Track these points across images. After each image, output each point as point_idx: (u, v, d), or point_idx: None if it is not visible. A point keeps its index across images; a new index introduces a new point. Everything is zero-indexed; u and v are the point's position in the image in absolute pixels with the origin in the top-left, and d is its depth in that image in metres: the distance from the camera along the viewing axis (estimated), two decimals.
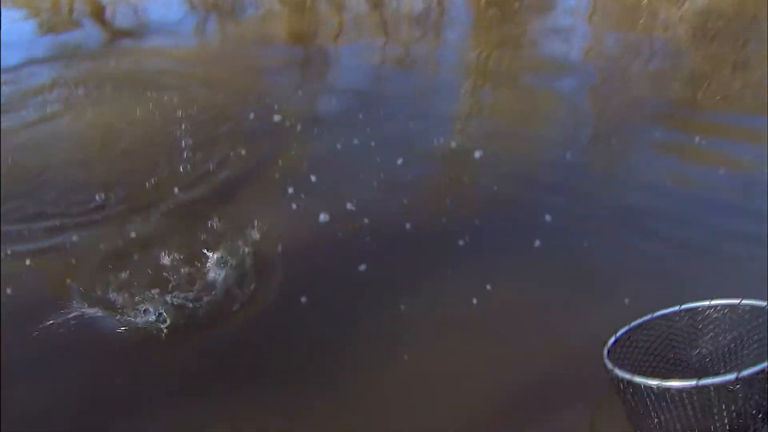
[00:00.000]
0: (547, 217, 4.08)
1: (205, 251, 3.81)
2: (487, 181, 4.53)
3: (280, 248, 3.92)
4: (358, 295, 3.63)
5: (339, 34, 7.48)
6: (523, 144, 4.90)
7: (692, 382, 2.30)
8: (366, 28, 7.53)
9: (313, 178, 4.58)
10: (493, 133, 5.09)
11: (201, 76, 6.38)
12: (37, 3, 9.55)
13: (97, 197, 4.45)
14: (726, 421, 2.38)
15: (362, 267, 3.77)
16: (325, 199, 4.35)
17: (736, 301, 2.68)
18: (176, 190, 4.53)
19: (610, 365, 2.56)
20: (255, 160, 4.92)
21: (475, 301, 3.49)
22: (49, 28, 8.45)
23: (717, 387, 2.31)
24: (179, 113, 5.52)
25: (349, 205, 4.27)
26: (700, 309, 2.78)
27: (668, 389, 2.35)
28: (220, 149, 5.02)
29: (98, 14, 8.79)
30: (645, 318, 2.81)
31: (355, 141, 5.00)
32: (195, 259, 3.81)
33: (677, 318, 2.80)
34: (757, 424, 2.41)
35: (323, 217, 4.19)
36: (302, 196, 4.43)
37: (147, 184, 4.59)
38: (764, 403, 2.37)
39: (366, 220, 4.13)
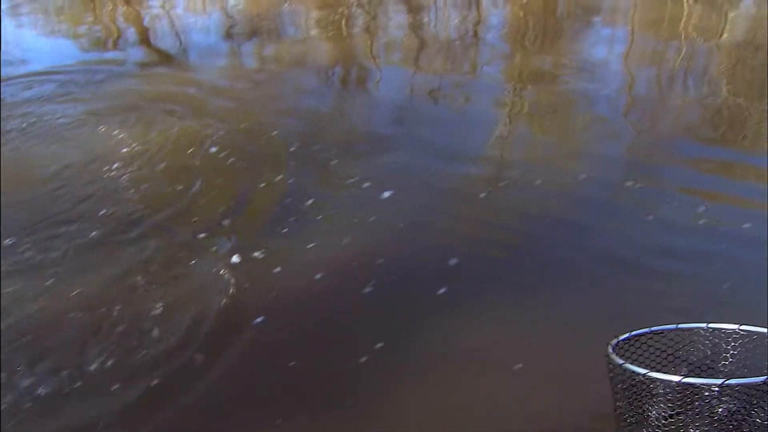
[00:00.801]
0: (568, 256, 4.09)
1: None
2: (508, 218, 4.52)
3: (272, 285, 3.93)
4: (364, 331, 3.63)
5: (374, 60, 7.57)
6: (548, 179, 4.90)
7: (677, 378, 2.37)
8: (399, 55, 7.64)
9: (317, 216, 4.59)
10: (516, 169, 5.09)
11: (234, 102, 6.48)
12: (79, 19, 9.62)
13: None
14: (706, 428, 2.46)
15: (368, 303, 3.77)
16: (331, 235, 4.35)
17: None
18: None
19: (611, 350, 2.60)
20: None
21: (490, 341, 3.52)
22: (87, 44, 8.61)
23: (699, 388, 2.38)
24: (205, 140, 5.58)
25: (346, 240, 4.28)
26: (724, 331, 2.72)
27: (654, 380, 2.42)
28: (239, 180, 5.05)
29: (139, 35, 8.85)
30: (667, 327, 2.76)
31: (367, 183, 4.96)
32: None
33: (699, 333, 2.75)
34: None
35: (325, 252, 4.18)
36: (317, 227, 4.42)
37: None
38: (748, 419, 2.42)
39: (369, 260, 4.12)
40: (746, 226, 4.22)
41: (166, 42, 8.53)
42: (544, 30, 8.24)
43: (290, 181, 4.94)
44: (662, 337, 2.73)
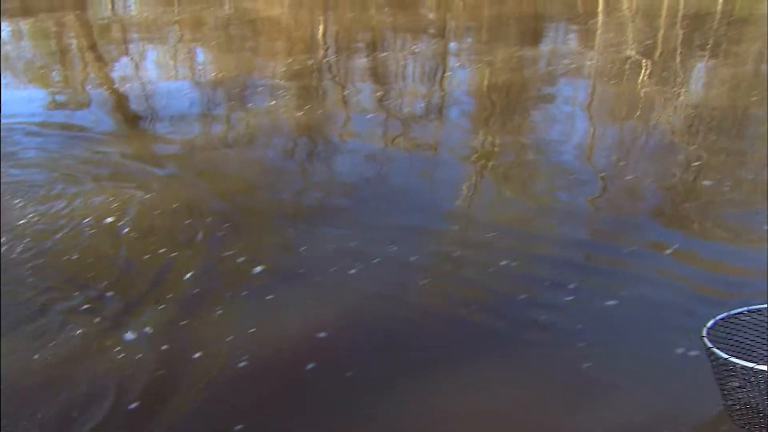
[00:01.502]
0: (542, 317, 3.91)
1: None
2: (479, 277, 4.35)
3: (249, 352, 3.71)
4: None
5: (344, 125, 7.43)
6: (516, 240, 4.76)
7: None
8: (364, 127, 7.42)
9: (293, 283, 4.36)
10: (487, 230, 4.91)
11: (198, 167, 6.31)
12: (50, 81, 9.60)
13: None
14: None
15: (348, 374, 3.54)
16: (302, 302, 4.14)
17: None
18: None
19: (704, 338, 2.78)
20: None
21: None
22: (57, 105, 8.44)
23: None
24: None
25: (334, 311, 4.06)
26: None
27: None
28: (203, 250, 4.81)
29: (110, 97, 8.77)
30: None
31: (353, 242, 4.77)
32: None
33: None
34: None
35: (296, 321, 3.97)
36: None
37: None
38: None
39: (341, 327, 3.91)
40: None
41: (129, 107, 8.35)
42: (507, 105, 8.23)
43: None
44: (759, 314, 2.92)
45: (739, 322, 2.94)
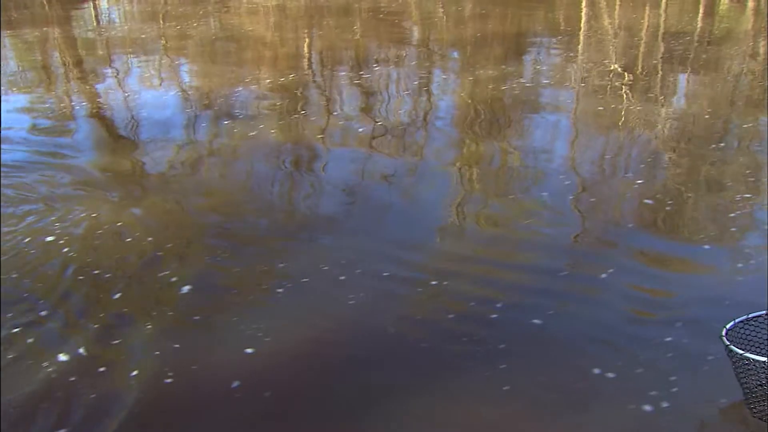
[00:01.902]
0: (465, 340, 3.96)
1: None
2: (452, 302, 4.37)
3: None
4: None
5: (325, 141, 7.51)
6: (492, 268, 4.78)
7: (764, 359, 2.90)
8: (350, 139, 7.60)
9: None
10: (465, 252, 4.99)
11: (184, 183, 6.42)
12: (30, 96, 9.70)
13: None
14: None
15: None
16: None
17: None
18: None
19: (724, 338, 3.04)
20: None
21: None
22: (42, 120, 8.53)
23: None
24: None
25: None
26: None
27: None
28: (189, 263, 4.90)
29: (90, 114, 8.82)
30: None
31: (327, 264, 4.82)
32: None
33: None
34: None
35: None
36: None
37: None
38: None
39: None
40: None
41: (108, 124, 8.39)
42: (491, 117, 8.32)
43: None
44: None
45: (757, 324, 3.20)
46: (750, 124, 7.79)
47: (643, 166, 6.61)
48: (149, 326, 4.11)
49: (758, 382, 3.02)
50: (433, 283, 4.51)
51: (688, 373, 3.62)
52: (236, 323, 4.14)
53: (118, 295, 4.42)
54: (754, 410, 3.14)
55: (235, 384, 3.64)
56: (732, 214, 5.47)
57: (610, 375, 3.62)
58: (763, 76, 9.98)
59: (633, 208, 5.72)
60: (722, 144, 7.10)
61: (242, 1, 17.52)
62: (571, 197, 5.88)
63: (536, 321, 4.10)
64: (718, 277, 4.59)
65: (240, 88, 9.52)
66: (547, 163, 6.68)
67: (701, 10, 15.83)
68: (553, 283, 4.51)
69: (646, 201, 5.74)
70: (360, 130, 7.85)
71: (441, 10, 16.41)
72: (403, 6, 16.99)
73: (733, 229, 5.25)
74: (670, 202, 5.74)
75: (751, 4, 16.75)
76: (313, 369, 3.78)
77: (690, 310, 4.15)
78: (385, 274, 4.62)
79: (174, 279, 4.63)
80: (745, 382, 3.10)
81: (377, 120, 8.22)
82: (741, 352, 2.98)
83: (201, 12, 16.23)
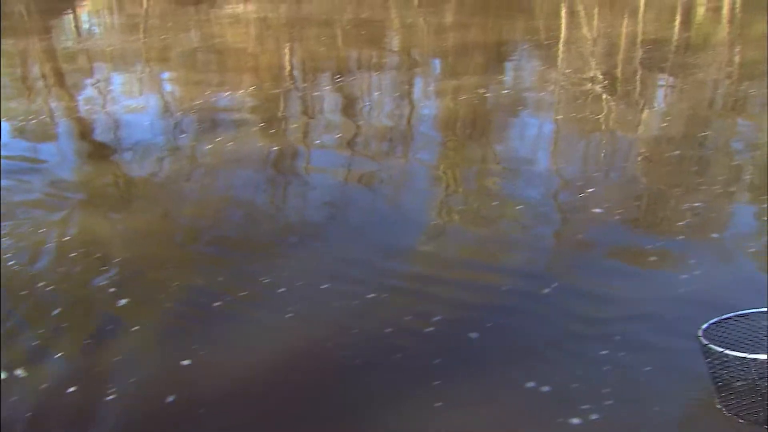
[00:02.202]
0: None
1: None
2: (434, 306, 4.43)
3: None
4: None
5: (307, 156, 7.54)
6: (470, 273, 4.85)
7: (743, 355, 3.05)
8: (333, 144, 7.69)
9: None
10: (449, 258, 5.08)
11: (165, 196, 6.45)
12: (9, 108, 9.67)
13: None
14: None
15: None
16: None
17: None
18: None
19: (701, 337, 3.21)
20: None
21: None
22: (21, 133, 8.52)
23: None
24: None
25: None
26: None
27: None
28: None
29: (69, 125, 8.86)
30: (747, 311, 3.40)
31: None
32: None
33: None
34: None
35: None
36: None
37: None
38: None
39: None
40: None
41: (87, 136, 8.39)
42: (474, 120, 8.37)
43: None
44: (745, 318, 3.36)
45: (731, 325, 3.37)
46: (726, 127, 8.01)
47: (614, 172, 6.71)
48: (88, 341, 4.11)
49: (737, 378, 3.16)
50: (371, 296, 4.52)
51: (622, 386, 3.63)
52: (176, 336, 4.15)
53: (57, 311, 4.42)
54: (730, 408, 3.28)
55: (170, 399, 3.65)
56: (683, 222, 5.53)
57: (545, 389, 3.63)
58: (740, 81, 10.07)
59: (584, 218, 5.75)
60: (700, 147, 7.25)
61: (223, 12, 17.56)
62: (545, 205, 5.96)
63: (473, 335, 4.10)
64: (663, 290, 4.59)
65: (221, 98, 9.58)
66: (525, 171, 6.72)
67: (678, 19, 15.91)
68: (494, 296, 4.53)
69: (595, 210, 5.78)
70: (342, 137, 7.90)
71: (422, 20, 16.46)
72: (385, 16, 17.04)
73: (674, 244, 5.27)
74: (620, 210, 5.76)
75: (726, 12, 16.87)
76: (244, 384, 3.79)
77: (630, 324, 4.17)
78: (324, 286, 4.64)
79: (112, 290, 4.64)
80: (720, 380, 3.24)
81: (359, 128, 8.29)
82: (720, 349, 3.13)
83: (182, 22, 16.26)
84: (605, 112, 8.66)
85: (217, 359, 3.97)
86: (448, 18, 16.74)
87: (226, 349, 4.07)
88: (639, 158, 7.05)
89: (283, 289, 4.63)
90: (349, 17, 16.73)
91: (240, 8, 18.01)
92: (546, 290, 4.56)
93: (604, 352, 3.89)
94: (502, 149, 7.59)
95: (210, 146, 7.62)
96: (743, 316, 3.40)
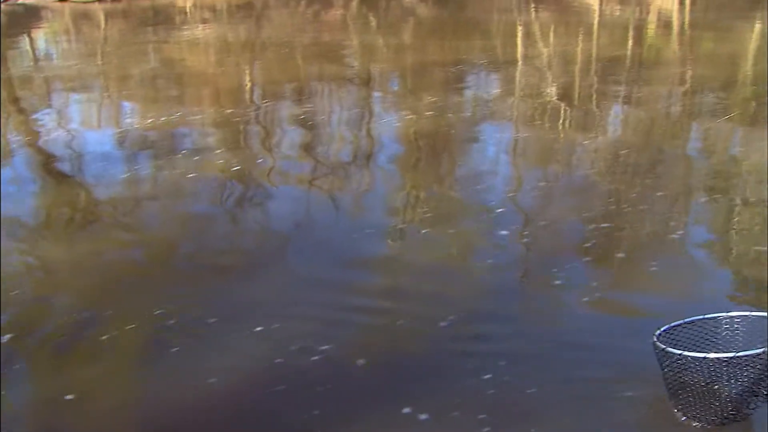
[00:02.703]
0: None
1: None
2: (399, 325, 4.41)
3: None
4: None
5: (269, 173, 7.53)
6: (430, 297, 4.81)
7: (702, 355, 3.14)
8: (291, 174, 7.63)
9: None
10: (410, 277, 5.07)
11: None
12: None
13: None
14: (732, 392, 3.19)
15: None
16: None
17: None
18: None
19: (655, 341, 3.31)
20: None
21: None
22: None
23: (722, 361, 3.10)
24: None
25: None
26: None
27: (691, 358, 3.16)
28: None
29: (28, 150, 8.75)
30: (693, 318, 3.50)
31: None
32: None
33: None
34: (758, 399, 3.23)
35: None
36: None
37: None
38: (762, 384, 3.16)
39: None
40: None
41: (46, 161, 8.22)
42: (434, 147, 8.45)
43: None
44: (693, 325, 3.47)
45: (679, 332, 3.47)
46: (679, 142, 8.24)
47: (570, 193, 6.83)
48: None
49: (691, 381, 3.23)
50: (258, 330, 4.40)
51: (502, 412, 3.59)
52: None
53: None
54: (685, 410, 3.37)
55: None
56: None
57: (422, 416, 3.59)
58: (692, 96, 10.38)
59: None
60: (656, 164, 7.37)
61: (182, 34, 17.54)
62: (507, 230, 5.90)
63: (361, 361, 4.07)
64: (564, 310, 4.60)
65: (181, 120, 9.53)
66: (476, 195, 6.74)
67: (630, 38, 16.35)
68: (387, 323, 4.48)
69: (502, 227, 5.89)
70: (299, 160, 7.94)
71: (381, 41, 16.65)
72: (344, 38, 17.20)
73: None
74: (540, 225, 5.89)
75: (675, 30, 17.40)
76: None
77: (515, 346, 4.15)
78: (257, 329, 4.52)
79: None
80: (675, 384, 3.33)
81: (317, 150, 8.32)
82: (679, 351, 3.22)
83: (141, 46, 16.20)
84: (562, 130, 8.85)
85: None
86: (407, 39, 16.96)
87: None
88: (593, 173, 7.20)
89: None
90: (308, 39, 16.85)
91: (199, 30, 18.03)
92: (442, 323, 4.45)
93: (487, 376, 3.84)
94: (453, 169, 7.66)
95: (170, 169, 7.57)
96: (691, 323, 3.48)
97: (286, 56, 14.76)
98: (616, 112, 9.79)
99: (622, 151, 7.72)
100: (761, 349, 3.09)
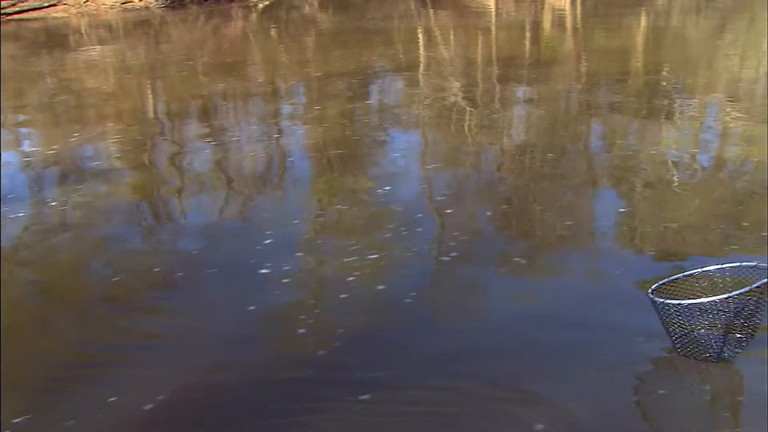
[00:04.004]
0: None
1: None
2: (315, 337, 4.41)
3: None
4: None
5: (180, 193, 7.41)
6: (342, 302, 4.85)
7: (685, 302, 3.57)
8: (205, 187, 7.56)
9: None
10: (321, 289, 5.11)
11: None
12: None
13: None
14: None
15: None
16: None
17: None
18: None
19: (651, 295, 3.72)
20: None
21: None
22: None
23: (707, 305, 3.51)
24: None
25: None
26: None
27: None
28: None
29: None
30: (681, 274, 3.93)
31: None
32: None
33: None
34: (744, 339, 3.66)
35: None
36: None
37: None
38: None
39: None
40: None
41: None
42: (344, 150, 8.50)
43: None
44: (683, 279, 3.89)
45: (675, 286, 3.89)
46: (580, 136, 8.55)
47: (473, 191, 7.03)
48: None
49: (688, 325, 3.64)
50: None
51: None
52: None
53: None
54: (681, 351, 3.79)
55: None
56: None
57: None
58: (590, 91, 10.80)
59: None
60: (558, 157, 7.66)
61: (79, 57, 17.07)
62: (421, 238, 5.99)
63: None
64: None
65: (83, 146, 9.29)
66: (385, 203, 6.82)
67: (528, 37, 16.89)
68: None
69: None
70: (210, 177, 7.84)
71: (284, 53, 16.64)
72: (246, 51, 17.11)
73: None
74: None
75: (569, 28, 18.07)
76: None
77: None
78: None
79: None
80: (675, 331, 3.73)
81: (225, 170, 8.23)
82: (677, 301, 3.61)
83: (37, 70, 15.70)
84: (468, 130, 9.08)
85: None
86: (309, 49, 17.00)
87: None
88: (499, 171, 7.46)
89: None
90: (210, 54, 16.68)
91: (96, 51, 17.57)
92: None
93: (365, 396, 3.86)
94: (361, 175, 7.68)
95: (74, 198, 7.37)
96: (688, 276, 3.91)
97: (189, 73, 14.58)
98: (518, 110, 10.07)
99: (526, 148, 8.00)
100: (739, 291, 3.48)
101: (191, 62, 15.70)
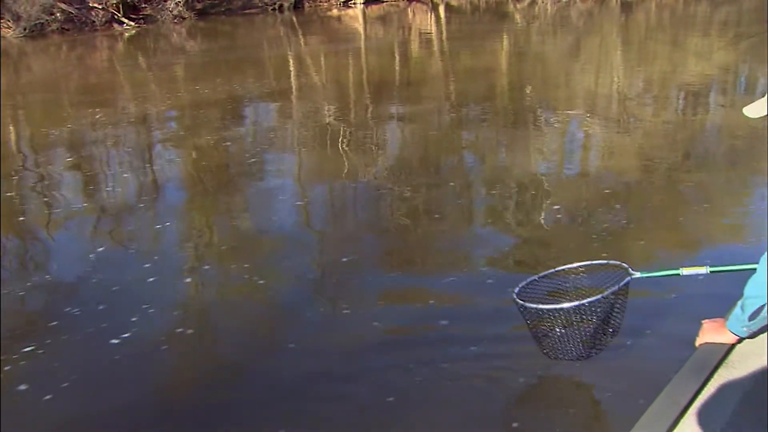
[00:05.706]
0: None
1: None
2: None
3: None
4: None
5: (48, 224, 7.11)
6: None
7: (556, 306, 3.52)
8: (76, 218, 7.23)
9: None
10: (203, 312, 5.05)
11: None
12: None
13: None
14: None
15: None
16: None
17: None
18: None
19: (516, 298, 3.62)
20: None
21: None
22: None
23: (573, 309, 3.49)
24: None
25: None
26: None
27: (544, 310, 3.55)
28: None
29: None
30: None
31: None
32: None
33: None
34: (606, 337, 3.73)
35: None
36: None
37: None
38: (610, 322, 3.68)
39: None
40: None
41: None
42: (219, 184, 8.37)
43: None
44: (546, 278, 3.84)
45: (536, 286, 3.82)
46: (455, 154, 8.79)
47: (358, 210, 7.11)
48: None
49: (551, 328, 3.66)
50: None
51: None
52: None
53: None
54: (550, 352, 3.80)
55: None
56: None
57: None
58: (458, 109, 11.18)
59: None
60: (435, 175, 7.89)
61: None
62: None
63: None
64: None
65: None
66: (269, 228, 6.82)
67: (397, 58, 17.30)
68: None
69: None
70: (80, 209, 7.52)
71: (153, 82, 16.30)
72: (114, 82, 16.65)
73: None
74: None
75: (436, 48, 18.67)
76: None
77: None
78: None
79: None
80: (538, 332, 3.74)
81: (97, 197, 7.98)
82: (534, 305, 3.59)
83: None
84: (343, 152, 9.19)
85: None
86: (179, 76, 16.73)
87: None
88: (379, 195, 7.49)
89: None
90: (75, 84, 16.12)
91: None
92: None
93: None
94: (240, 200, 7.64)
95: None
96: (545, 276, 3.89)
97: (53, 104, 14.03)
98: (392, 129, 10.30)
99: (403, 165, 8.19)
100: (599, 296, 3.56)
101: (55, 93, 15.12)
